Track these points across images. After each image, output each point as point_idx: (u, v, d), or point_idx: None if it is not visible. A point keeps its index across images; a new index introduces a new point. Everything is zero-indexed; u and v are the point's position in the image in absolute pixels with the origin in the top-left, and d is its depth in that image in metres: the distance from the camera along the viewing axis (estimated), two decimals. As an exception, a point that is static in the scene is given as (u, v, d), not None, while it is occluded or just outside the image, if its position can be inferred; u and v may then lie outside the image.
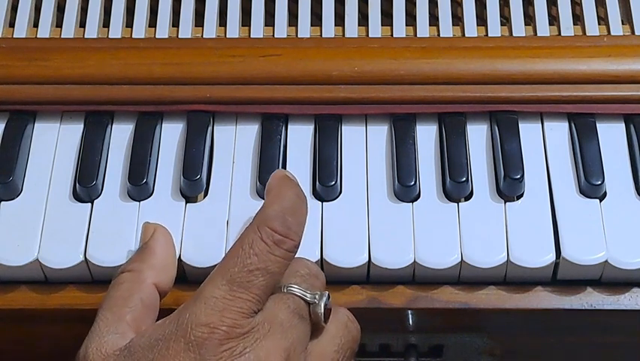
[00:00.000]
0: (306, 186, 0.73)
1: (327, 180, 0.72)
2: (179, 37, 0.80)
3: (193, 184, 0.72)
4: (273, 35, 0.80)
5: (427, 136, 0.76)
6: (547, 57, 0.76)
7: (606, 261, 0.69)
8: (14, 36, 0.80)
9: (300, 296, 0.63)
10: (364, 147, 0.75)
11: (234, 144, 0.76)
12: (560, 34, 0.79)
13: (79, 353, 0.61)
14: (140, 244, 0.69)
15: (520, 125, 0.75)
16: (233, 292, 0.60)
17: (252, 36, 0.80)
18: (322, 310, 0.63)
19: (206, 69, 0.76)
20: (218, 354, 0.58)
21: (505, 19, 0.81)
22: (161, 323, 0.61)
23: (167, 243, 0.68)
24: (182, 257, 0.70)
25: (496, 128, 0.75)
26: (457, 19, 0.81)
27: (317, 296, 0.63)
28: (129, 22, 0.80)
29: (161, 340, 0.59)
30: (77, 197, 0.73)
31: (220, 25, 0.81)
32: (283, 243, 0.62)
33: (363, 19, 0.81)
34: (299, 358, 0.61)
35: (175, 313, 0.61)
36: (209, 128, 0.75)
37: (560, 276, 0.71)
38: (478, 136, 0.76)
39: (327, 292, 0.64)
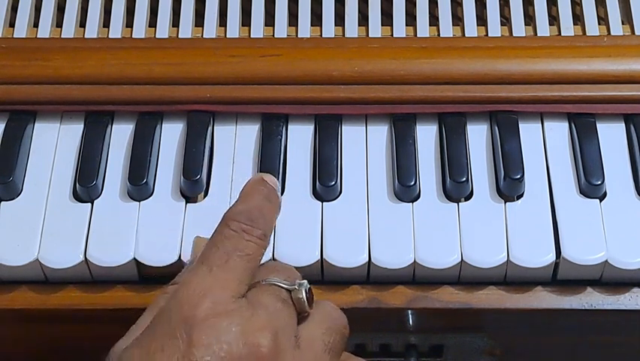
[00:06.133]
0: (306, 186, 0.73)
1: (327, 180, 0.72)
2: (179, 37, 0.80)
3: (193, 184, 0.72)
4: (273, 35, 0.80)
5: (427, 136, 0.76)
6: (547, 57, 0.76)
7: (606, 261, 0.69)
8: (14, 36, 0.80)
9: (279, 285, 0.63)
10: (364, 147, 0.75)
11: (234, 144, 0.76)
12: (560, 34, 0.79)
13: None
14: (192, 258, 0.69)
15: (520, 125, 0.75)
16: (214, 274, 0.60)
17: (252, 36, 0.80)
18: (304, 296, 0.62)
19: (206, 69, 0.76)
20: (205, 330, 0.58)
21: (505, 19, 0.81)
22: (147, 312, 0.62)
23: None
24: (181, 257, 0.70)
25: (496, 128, 0.75)
26: (457, 19, 0.81)
27: (296, 284, 0.63)
28: (129, 22, 0.80)
29: (149, 327, 0.59)
30: (77, 197, 0.73)
31: (220, 25, 0.81)
32: (251, 230, 0.63)
33: (363, 19, 0.81)
34: (289, 341, 0.61)
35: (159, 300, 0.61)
36: (209, 128, 0.75)
37: (560, 276, 0.71)
38: (478, 136, 0.75)
39: (305, 280, 0.64)
